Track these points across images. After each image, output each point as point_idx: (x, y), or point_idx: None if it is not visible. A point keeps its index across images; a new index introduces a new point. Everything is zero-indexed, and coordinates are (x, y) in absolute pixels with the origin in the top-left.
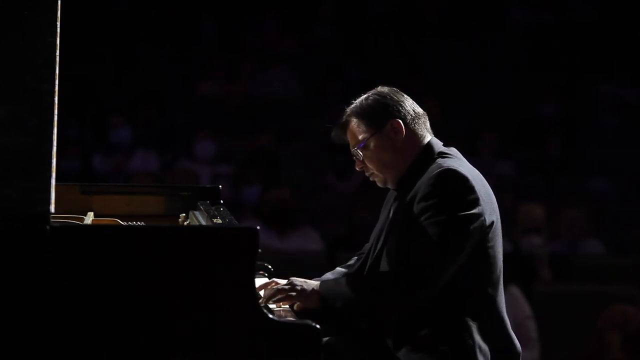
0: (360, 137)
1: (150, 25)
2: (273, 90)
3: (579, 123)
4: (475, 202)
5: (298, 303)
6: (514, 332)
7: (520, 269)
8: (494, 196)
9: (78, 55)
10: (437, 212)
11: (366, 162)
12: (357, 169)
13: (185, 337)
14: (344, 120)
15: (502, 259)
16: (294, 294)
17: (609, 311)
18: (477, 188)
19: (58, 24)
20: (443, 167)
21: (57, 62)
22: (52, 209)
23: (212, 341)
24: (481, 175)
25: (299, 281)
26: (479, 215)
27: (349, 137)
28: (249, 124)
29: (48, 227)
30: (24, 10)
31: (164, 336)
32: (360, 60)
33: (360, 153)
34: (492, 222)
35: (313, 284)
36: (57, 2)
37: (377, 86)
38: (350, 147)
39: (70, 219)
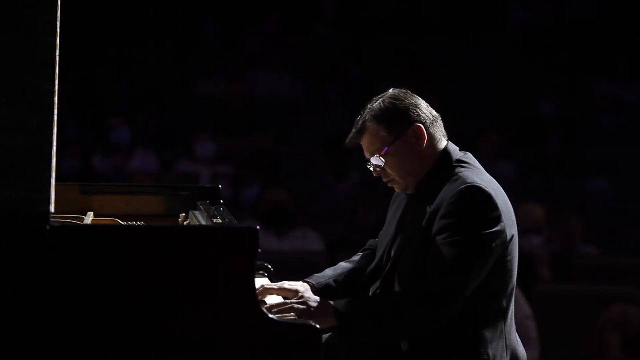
0: (380, 143)
1: (150, 25)
2: (273, 90)
3: (578, 123)
4: (499, 219)
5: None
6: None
7: (520, 269)
8: (511, 206)
9: (78, 55)
10: (461, 231)
11: (387, 168)
12: (374, 175)
13: (185, 337)
14: (360, 125)
15: (517, 270)
16: (307, 315)
17: (609, 311)
18: (499, 204)
19: (58, 24)
20: (467, 182)
21: (57, 62)
22: (52, 209)
23: (212, 341)
24: (498, 185)
25: (312, 301)
26: (502, 232)
27: (366, 142)
28: (249, 124)
29: (48, 227)
30: (23, 10)
31: (164, 336)
32: (360, 60)
33: (382, 160)
34: (513, 236)
35: (324, 302)
36: (57, 2)
37: (377, 86)
38: (366, 153)
39: (70, 219)
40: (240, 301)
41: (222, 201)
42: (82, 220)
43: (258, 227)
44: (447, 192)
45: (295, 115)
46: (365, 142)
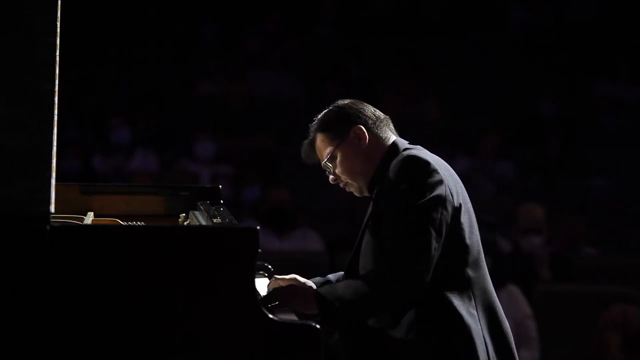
0: (326, 150)
1: (150, 25)
2: (273, 90)
3: (578, 123)
4: (440, 182)
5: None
6: (513, 331)
7: (520, 269)
8: (460, 182)
9: (78, 55)
10: (407, 199)
11: (337, 173)
12: (331, 182)
13: (185, 337)
14: (309, 139)
15: (479, 242)
16: (292, 299)
17: (609, 312)
18: (440, 171)
19: (58, 24)
20: (403, 155)
21: (57, 62)
22: (52, 209)
23: (212, 341)
24: (447, 164)
25: (300, 285)
26: (447, 196)
27: (318, 152)
28: (249, 124)
29: (48, 227)
30: (23, 10)
31: (164, 336)
32: (360, 60)
33: (330, 165)
34: (460, 204)
35: (307, 287)
36: (57, 2)
37: (377, 86)
38: (321, 163)
39: (70, 219)
40: (240, 301)
41: (222, 201)
42: (82, 220)
43: (258, 227)
44: (389, 171)
45: (295, 115)
46: (318, 152)
